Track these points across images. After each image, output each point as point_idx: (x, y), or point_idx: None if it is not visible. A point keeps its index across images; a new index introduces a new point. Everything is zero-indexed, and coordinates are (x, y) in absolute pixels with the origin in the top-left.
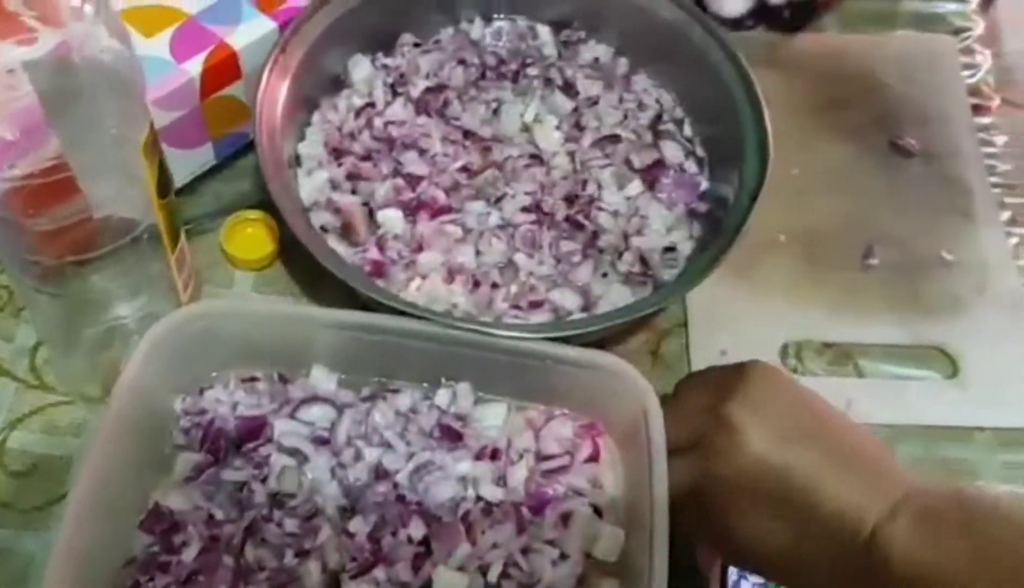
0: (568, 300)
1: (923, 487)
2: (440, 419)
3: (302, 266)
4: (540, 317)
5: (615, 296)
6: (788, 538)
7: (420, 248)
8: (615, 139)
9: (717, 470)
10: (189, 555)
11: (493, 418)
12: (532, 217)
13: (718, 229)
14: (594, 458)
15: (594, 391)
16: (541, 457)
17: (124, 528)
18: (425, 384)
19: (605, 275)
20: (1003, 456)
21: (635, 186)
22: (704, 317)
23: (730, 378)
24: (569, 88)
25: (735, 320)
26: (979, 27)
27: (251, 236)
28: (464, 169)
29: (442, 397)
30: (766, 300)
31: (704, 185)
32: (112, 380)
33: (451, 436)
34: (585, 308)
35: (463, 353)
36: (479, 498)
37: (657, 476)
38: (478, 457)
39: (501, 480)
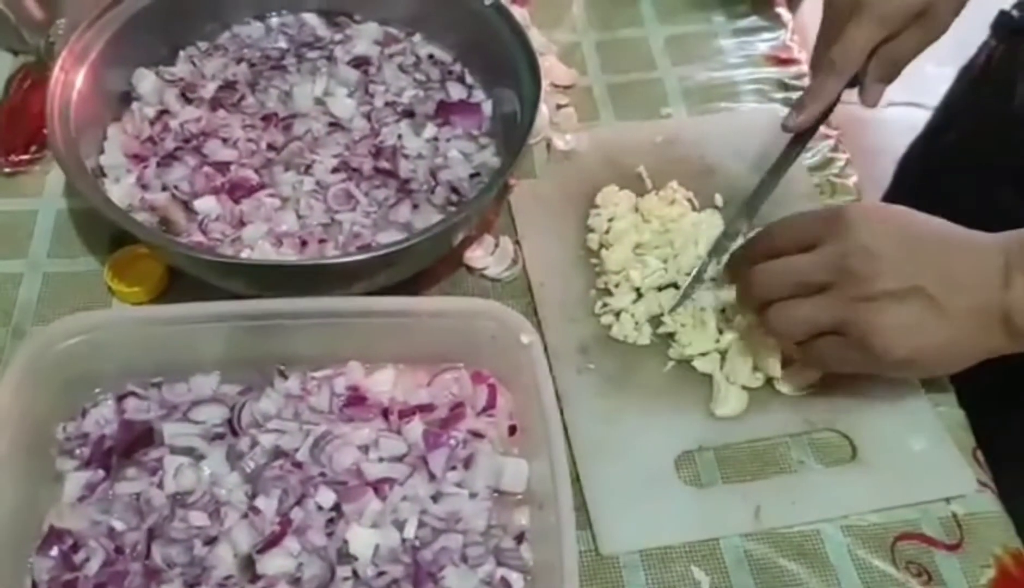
0: (394, 237)
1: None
2: (334, 395)
3: (188, 298)
4: None
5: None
6: (937, 327)
7: (242, 224)
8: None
9: (861, 295)
10: (92, 568)
11: (383, 384)
12: (343, 176)
13: (512, 143)
14: (491, 404)
15: (471, 337)
16: (435, 409)
17: (22, 558)
18: (307, 367)
19: (417, 207)
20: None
21: (430, 129)
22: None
23: (832, 224)
24: (353, 60)
25: None
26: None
27: (140, 270)
28: (271, 147)
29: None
30: None
31: (488, 110)
32: None
33: (355, 404)
34: None
35: (343, 324)
36: (381, 459)
37: (547, 405)
38: (375, 422)
39: (399, 437)
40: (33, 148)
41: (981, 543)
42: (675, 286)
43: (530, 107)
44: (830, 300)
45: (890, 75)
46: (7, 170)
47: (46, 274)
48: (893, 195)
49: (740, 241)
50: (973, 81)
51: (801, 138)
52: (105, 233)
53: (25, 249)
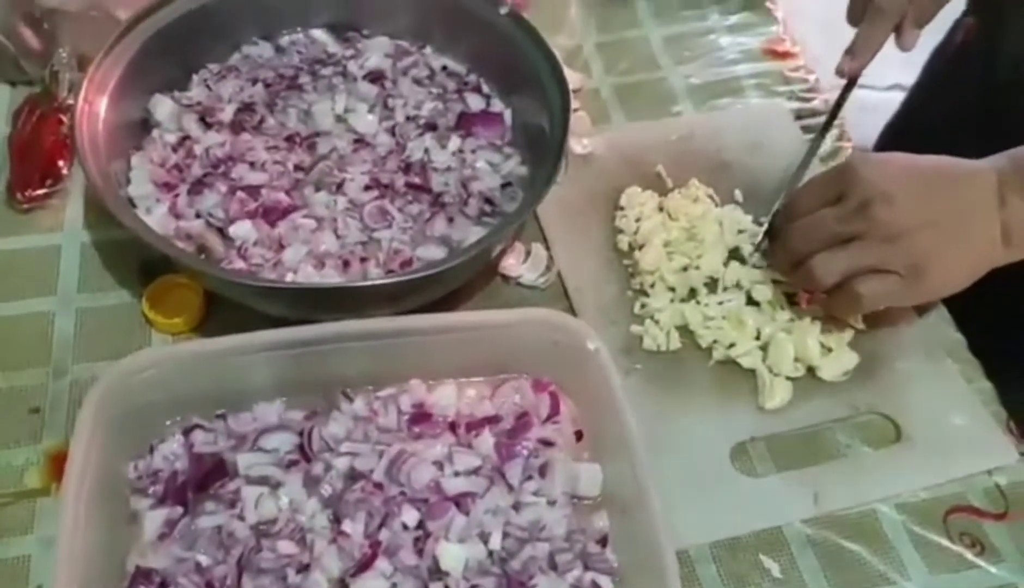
0: (433, 252)
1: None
2: (401, 413)
3: (228, 325)
4: None
5: (473, 237)
6: (954, 250)
7: (281, 247)
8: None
9: (889, 235)
10: None
11: (446, 399)
12: (376, 193)
13: (543, 153)
14: (555, 412)
15: (530, 347)
16: (501, 421)
17: None
18: (370, 387)
19: (452, 220)
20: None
21: (455, 141)
22: None
23: (847, 178)
24: (368, 75)
25: None
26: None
27: (177, 300)
28: (298, 168)
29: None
30: None
31: (509, 119)
32: (51, 466)
33: (421, 421)
34: (451, 254)
35: (403, 343)
36: (457, 473)
37: (621, 409)
38: (444, 437)
39: (472, 450)
40: (49, 182)
41: None
42: (693, 294)
43: (560, 113)
44: (864, 245)
45: (927, 19)
46: (25, 206)
47: (79, 310)
48: None
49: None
50: (951, 58)
51: (824, 129)
52: (133, 264)
53: (53, 286)
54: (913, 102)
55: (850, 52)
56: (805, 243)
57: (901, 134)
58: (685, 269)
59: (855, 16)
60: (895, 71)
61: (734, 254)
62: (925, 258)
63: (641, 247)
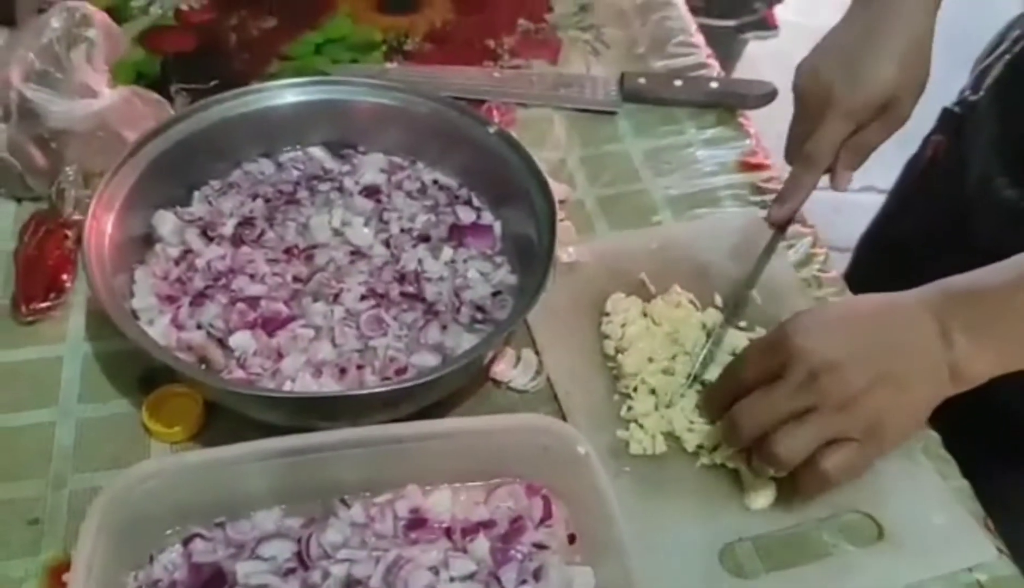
0: (428, 359)
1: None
2: (397, 519)
3: (226, 434)
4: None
5: (466, 344)
6: (907, 396)
7: (280, 356)
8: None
9: (842, 403)
10: None
11: (442, 504)
12: (371, 302)
13: (532, 262)
14: (548, 516)
15: (523, 452)
16: (496, 525)
17: None
18: (367, 493)
19: (445, 328)
20: None
21: (447, 252)
22: None
23: (786, 349)
24: (364, 190)
25: None
26: None
27: (176, 409)
28: (296, 279)
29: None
30: None
31: (498, 230)
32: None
33: (417, 526)
34: (444, 361)
35: (399, 449)
36: (452, 579)
37: (612, 513)
38: (440, 542)
39: (467, 555)
40: (52, 295)
41: None
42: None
43: (547, 224)
44: (819, 416)
45: (858, 163)
46: (28, 318)
47: (79, 420)
48: (853, 276)
49: (733, 333)
50: (922, 173)
51: (781, 229)
52: (134, 375)
53: (55, 396)
54: (888, 211)
55: (779, 199)
56: (757, 424)
57: (878, 243)
58: (666, 372)
59: (790, 157)
60: (866, 173)
61: None
62: (880, 417)
63: (625, 351)
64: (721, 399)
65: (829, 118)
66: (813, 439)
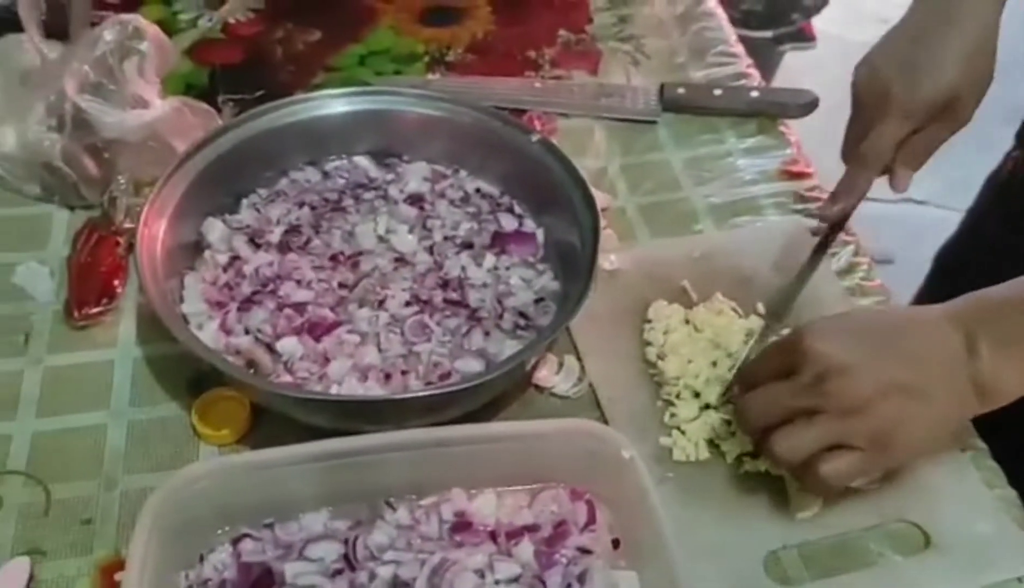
0: (471, 365)
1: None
2: (442, 522)
3: (272, 437)
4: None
5: (508, 350)
6: (925, 410)
7: (327, 361)
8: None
9: (849, 408)
10: None
11: (486, 507)
12: (415, 308)
13: (574, 269)
14: (591, 520)
15: (567, 456)
16: (540, 529)
17: None
18: (413, 496)
19: (488, 334)
20: None
21: (490, 259)
22: None
23: (797, 351)
24: (408, 198)
25: None
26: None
27: (225, 412)
28: (342, 285)
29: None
30: None
31: (541, 237)
32: (101, 578)
33: (462, 529)
34: (488, 367)
35: (445, 453)
36: (497, 582)
37: (658, 518)
38: (485, 545)
39: (511, 559)
40: (104, 301)
41: None
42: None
43: (591, 233)
44: (822, 420)
45: (919, 163)
46: (81, 324)
47: (130, 422)
48: (929, 291)
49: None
50: (1000, 187)
51: (824, 244)
52: (183, 378)
53: (106, 399)
54: (969, 223)
55: (832, 198)
56: (760, 417)
57: (958, 257)
58: (709, 378)
59: (846, 157)
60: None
61: None
62: (888, 427)
63: (666, 358)
64: (737, 390)
65: (886, 118)
66: (814, 441)
